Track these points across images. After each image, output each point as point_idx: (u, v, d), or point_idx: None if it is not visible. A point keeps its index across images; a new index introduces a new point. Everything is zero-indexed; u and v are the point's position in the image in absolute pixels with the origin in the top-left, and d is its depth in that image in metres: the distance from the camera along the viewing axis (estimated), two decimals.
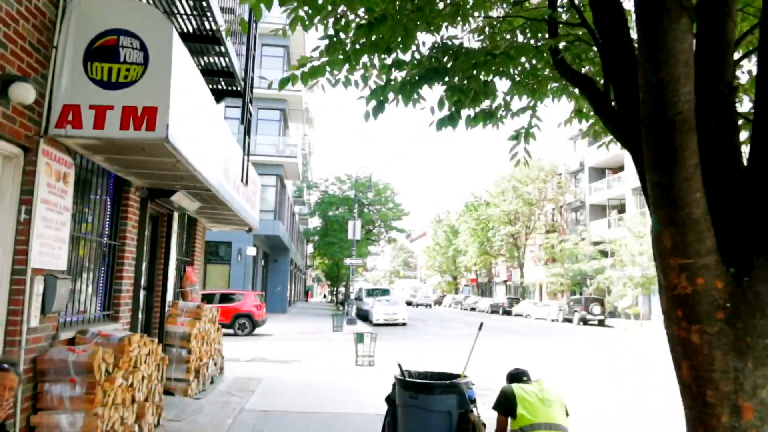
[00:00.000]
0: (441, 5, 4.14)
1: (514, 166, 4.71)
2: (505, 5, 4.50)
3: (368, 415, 7.90)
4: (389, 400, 5.40)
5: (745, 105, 4.21)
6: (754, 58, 3.67)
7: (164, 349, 8.26)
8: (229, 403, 8.34)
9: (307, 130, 48.94)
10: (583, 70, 4.55)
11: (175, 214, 8.91)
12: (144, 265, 7.69)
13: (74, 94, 4.79)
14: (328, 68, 4.25)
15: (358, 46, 4.04)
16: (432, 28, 4.21)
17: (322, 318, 32.20)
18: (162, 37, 4.96)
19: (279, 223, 31.59)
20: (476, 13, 4.34)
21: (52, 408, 4.87)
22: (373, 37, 3.77)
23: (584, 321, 35.35)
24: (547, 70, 4.38)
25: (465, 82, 3.96)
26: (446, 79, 4.00)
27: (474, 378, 5.35)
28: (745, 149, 2.83)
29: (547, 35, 4.11)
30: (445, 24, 4.32)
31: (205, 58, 8.45)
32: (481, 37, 4.29)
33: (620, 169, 44.06)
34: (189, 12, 7.05)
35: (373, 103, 4.21)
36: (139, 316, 7.51)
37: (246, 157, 8.91)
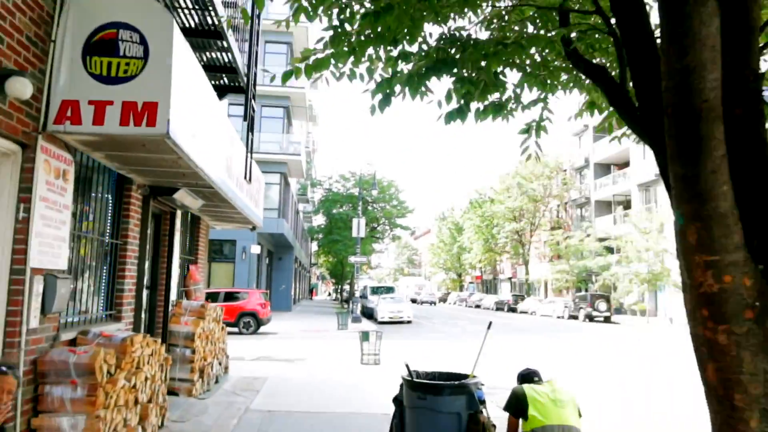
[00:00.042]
0: None
1: (525, 161, 4.58)
2: None
3: (374, 415, 7.79)
4: (397, 401, 5.29)
5: None
6: None
7: (168, 349, 8.17)
8: (234, 404, 8.24)
9: (311, 127, 48.87)
10: (595, 61, 4.41)
11: (178, 212, 8.81)
12: (147, 264, 7.59)
13: (73, 89, 4.68)
14: (332, 61, 4.13)
15: (363, 38, 3.92)
16: (439, 18, 4.08)
17: (326, 316, 32.14)
18: (162, 31, 4.84)
19: (283, 221, 31.52)
20: (485, 3, 4.21)
21: (53, 410, 4.77)
22: (379, 28, 3.65)
23: (590, 318, 35.17)
24: (558, 61, 4.24)
25: (474, 73, 3.83)
26: (455, 70, 3.87)
27: (481, 377, 5.23)
28: None
29: (558, 26, 3.97)
30: (453, 14, 4.20)
31: (207, 53, 8.34)
32: (491, 28, 4.15)
33: (626, 164, 43.82)
34: (191, 6, 6.94)
35: (380, 96, 4.09)
36: (142, 315, 7.41)
37: (249, 154, 8.79)
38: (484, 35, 4.23)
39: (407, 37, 4.00)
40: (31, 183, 4.50)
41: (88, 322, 5.95)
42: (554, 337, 23.44)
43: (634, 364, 15.00)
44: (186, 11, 7.10)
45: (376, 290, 37.25)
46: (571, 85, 4.52)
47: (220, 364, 9.87)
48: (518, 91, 4.21)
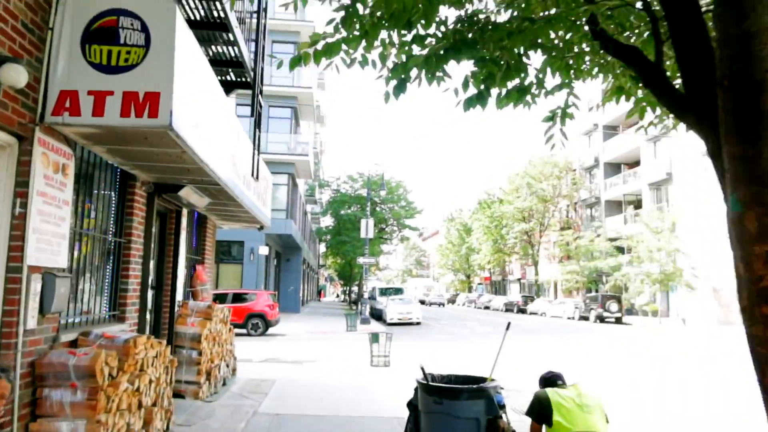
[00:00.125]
0: None
1: (550, 150, 4.33)
2: None
3: (386, 419, 7.57)
4: (411, 405, 5.04)
5: None
6: None
7: (174, 351, 7.97)
8: (241, 407, 8.02)
9: (319, 128, 48.69)
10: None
11: (184, 211, 8.61)
12: (152, 264, 7.37)
13: (72, 78, 4.46)
14: (343, 46, 3.90)
15: (376, 19, 3.68)
16: None
17: (335, 317, 31.94)
18: (164, 18, 4.62)
19: (291, 222, 31.34)
20: None
21: (52, 415, 4.56)
22: (394, 5, 3.40)
23: (601, 319, 34.77)
24: (584, 43, 3.99)
25: (497, 54, 3.57)
26: (475, 52, 3.61)
27: (500, 380, 4.97)
28: None
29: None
30: None
31: (214, 47, 8.13)
32: (513, 6, 3.88)
33: (636, 163, 43.36)
34: None
35: (394, 82, 3.84)
36: (147, 316, 7.20)
37: (256, 152, 8.58)
38: (503, 18, 3.98)
39: (422, 20, 3.76)
40: (28, 177, 4.29)
41: (90, 323, 5.74)
42: (565, 338, 23.14)
43: (646, 365, 14.70)
44: (192, 3, 6.89)
45: (384, 291, 37.00)
46: (595, 70, 4.26)
47: (227, 366, 9.66)
48: (540, 76, 3.95)
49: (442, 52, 3.61)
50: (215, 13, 7.20)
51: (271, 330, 20.69)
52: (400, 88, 3.83)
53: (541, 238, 52.87)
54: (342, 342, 18.64)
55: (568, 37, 3.97)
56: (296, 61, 3.98)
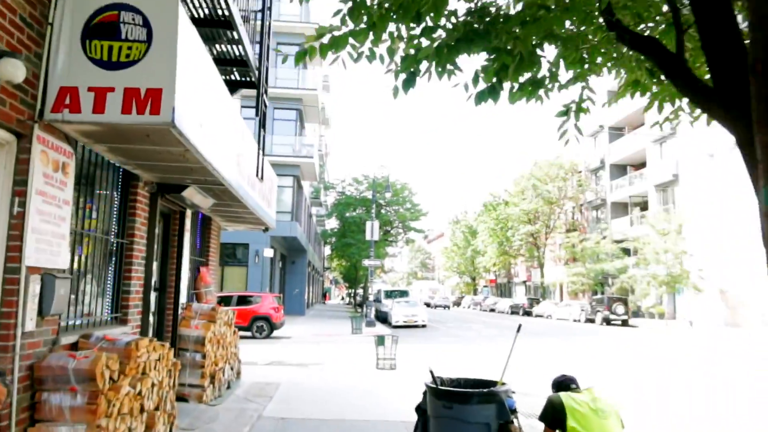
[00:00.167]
0: None
1: (564, 145, 4.20)
2: None
3: (392, 423, 7.43)
4: (420, 409, 4.90)
5: None
6: None
7: (177, 354, 7.86)
8: (246, 410, 7.90)
9: (324, 130, 48.66)
10: None
11: (188, 212, 8.50)
12: (155, 265, 7.26)
13: (72, 75, 4.36)
14: (350, 39, 3.78)
15: (384, 11, 3.55)
16: None
17: (340, 320, 31.80)
18: (166, 12, 4.51)
19: (296, 224, 31.25)
20: None
21: (51, 419, 4.44)
22: None
23: (607, 321, 34.54)
24: (598, 36, 3.85)
25: (510, 45, 3.45)
26: (487, 43, 3.48)
27: (511, 384, 4.83)
28: None
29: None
30: None
31: (218, 46, 8.02)
32: (521, 1, 3.76)
33: (642, 165, 43.14)
34: None
35: (403, 76, 3.72)
36: (150, 318, 7.08)
37: (261, 152, 8.47)
38: (516, 10, 3.85)
39: (432, 12, 3.63)
40: (26, 175, 4.18)
41: (91, 325, 5.63)
42: (571, 340, 22.97)
43: (652, 367, 14.55)
44: (196, 1, 6.79)
45: (390, 294, 36.80)
46: (609, 64, 4.13)
47: (232, 369, 9.54)
48: (554, 69, 3.82)
49: (453, 43, 3.48)
50: (219, 11, 7.10)
51: (276, 333, 20.58)
52: (409, 83, 3.71)
53: (547, 240, 52.64)
54: (347, 345, 18.50)
55: (582, 29, 3.85)
56: (302, 55, 3.87)
